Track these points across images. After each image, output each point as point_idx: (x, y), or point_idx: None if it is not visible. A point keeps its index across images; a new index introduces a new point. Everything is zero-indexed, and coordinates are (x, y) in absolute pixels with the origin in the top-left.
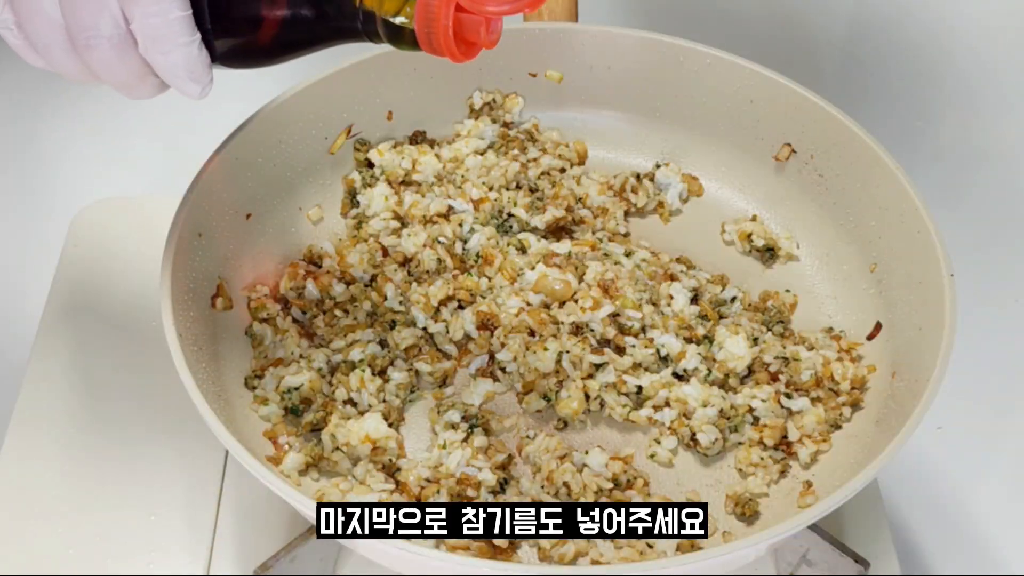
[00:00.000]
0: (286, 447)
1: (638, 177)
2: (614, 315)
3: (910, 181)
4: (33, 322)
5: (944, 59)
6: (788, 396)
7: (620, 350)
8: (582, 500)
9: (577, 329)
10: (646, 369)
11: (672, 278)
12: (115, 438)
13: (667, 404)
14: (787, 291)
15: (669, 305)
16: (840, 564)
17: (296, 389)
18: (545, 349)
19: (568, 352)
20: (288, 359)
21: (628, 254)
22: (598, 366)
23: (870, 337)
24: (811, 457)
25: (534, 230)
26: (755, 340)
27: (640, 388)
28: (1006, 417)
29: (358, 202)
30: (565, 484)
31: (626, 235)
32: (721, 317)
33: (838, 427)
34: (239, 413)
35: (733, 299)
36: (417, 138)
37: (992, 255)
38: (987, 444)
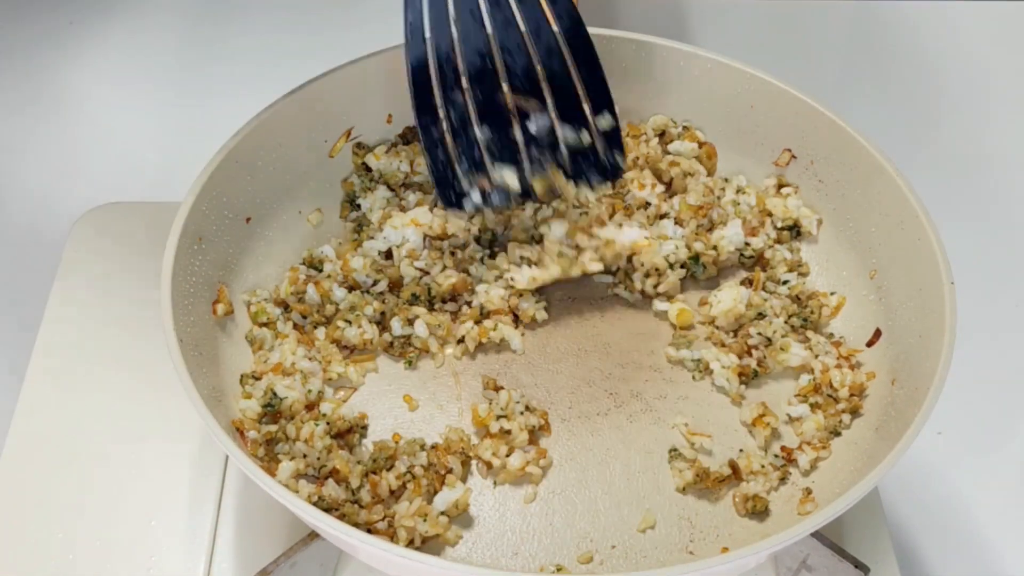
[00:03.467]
0: (251, 439)
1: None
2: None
3: (910, 187)
4: (34, 325)
5: (945, 66)
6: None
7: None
8: None
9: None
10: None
11: (753, 232)
12: (115, 443)
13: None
14: (832, 293)
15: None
16: (840, 569)
17: (280, 399)
18: None
19: None
20: (287, 371)
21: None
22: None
23: (870, 344)
24: (811, 464)
25: None
26: (761, 315)
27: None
28: (1006, 423)
29: (358, 205)
30: None
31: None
32: (764, 288)
33: (837, 434)
34: (236, 415)
35: (785, 282)
36: (407, 136)
37: (993, 262)
38: (987, 450)
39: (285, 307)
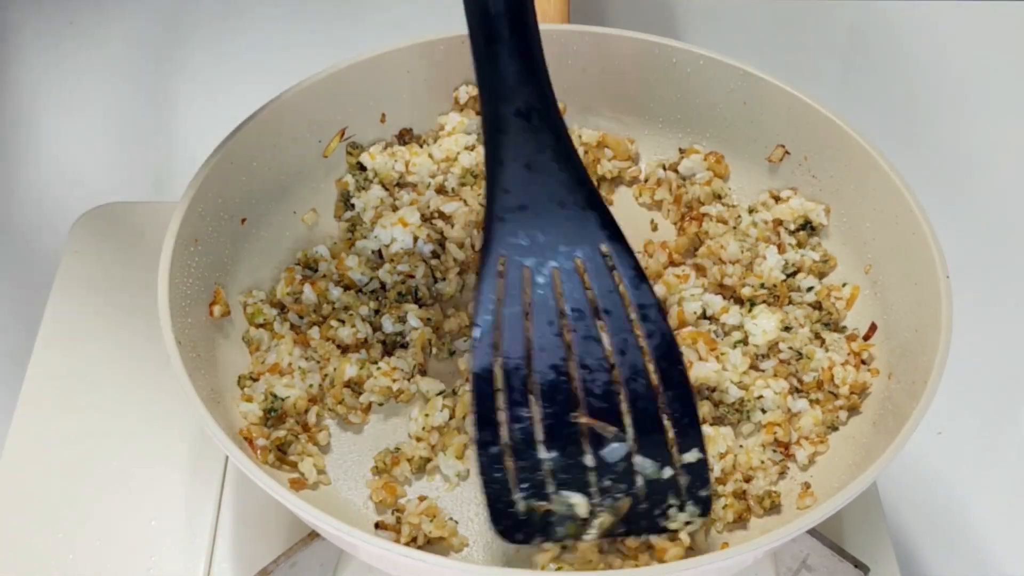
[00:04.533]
0: (261, 446)
1: (664, 168)
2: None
3: (904, 182)
4: (33, 327)
5: (943, 66)
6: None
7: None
8: None
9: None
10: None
11: (780, 248)
12: (115, 444)
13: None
14: (844, 284)
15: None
16: (840, 569)
17: (282, 400)
18: None
19: None
20: (285, 371)
21: (751, 211)
22: None
23: (865, 338)
24: (809, 459)
25: None
26: (787, 328)
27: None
28: (1006, 422)
29: (352, 205)
30: None
31: None
32: (790, 302)
33: (835, 428)
34: (237, 418)
35: (810, 288)
36: (404, 137)
37: (991, 258)
38: (986, 449)
39: (281, 308)
